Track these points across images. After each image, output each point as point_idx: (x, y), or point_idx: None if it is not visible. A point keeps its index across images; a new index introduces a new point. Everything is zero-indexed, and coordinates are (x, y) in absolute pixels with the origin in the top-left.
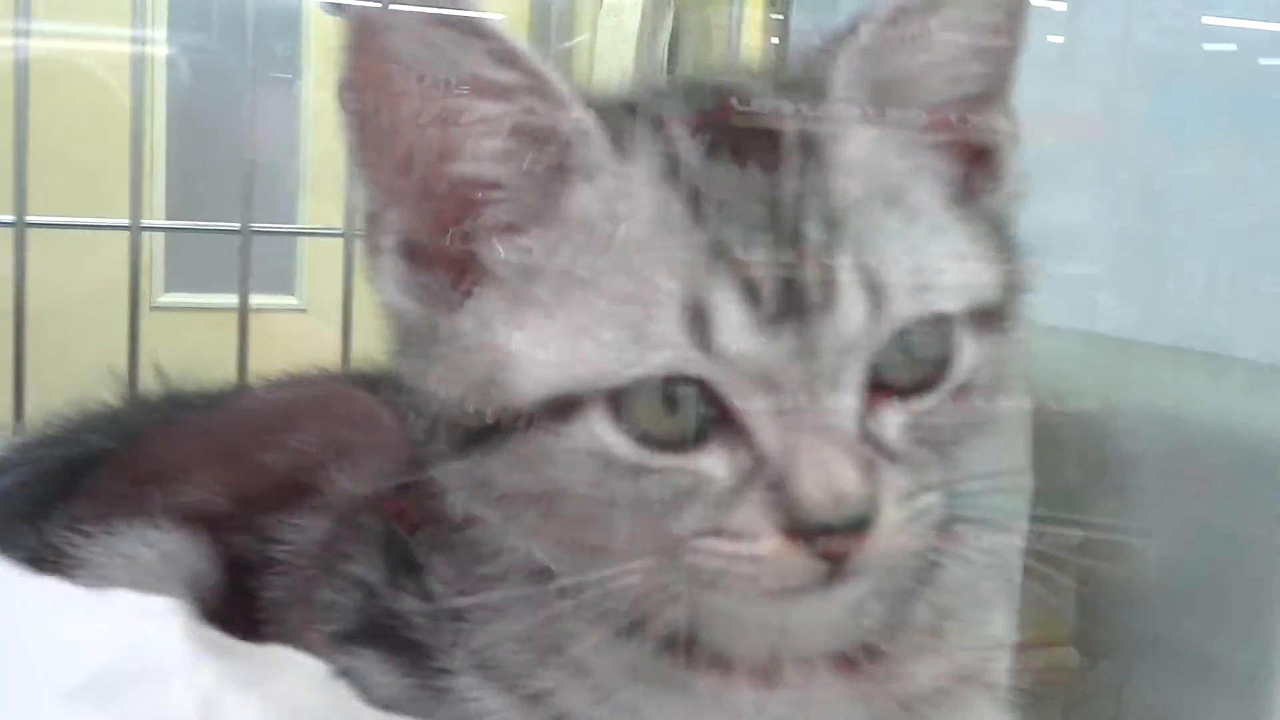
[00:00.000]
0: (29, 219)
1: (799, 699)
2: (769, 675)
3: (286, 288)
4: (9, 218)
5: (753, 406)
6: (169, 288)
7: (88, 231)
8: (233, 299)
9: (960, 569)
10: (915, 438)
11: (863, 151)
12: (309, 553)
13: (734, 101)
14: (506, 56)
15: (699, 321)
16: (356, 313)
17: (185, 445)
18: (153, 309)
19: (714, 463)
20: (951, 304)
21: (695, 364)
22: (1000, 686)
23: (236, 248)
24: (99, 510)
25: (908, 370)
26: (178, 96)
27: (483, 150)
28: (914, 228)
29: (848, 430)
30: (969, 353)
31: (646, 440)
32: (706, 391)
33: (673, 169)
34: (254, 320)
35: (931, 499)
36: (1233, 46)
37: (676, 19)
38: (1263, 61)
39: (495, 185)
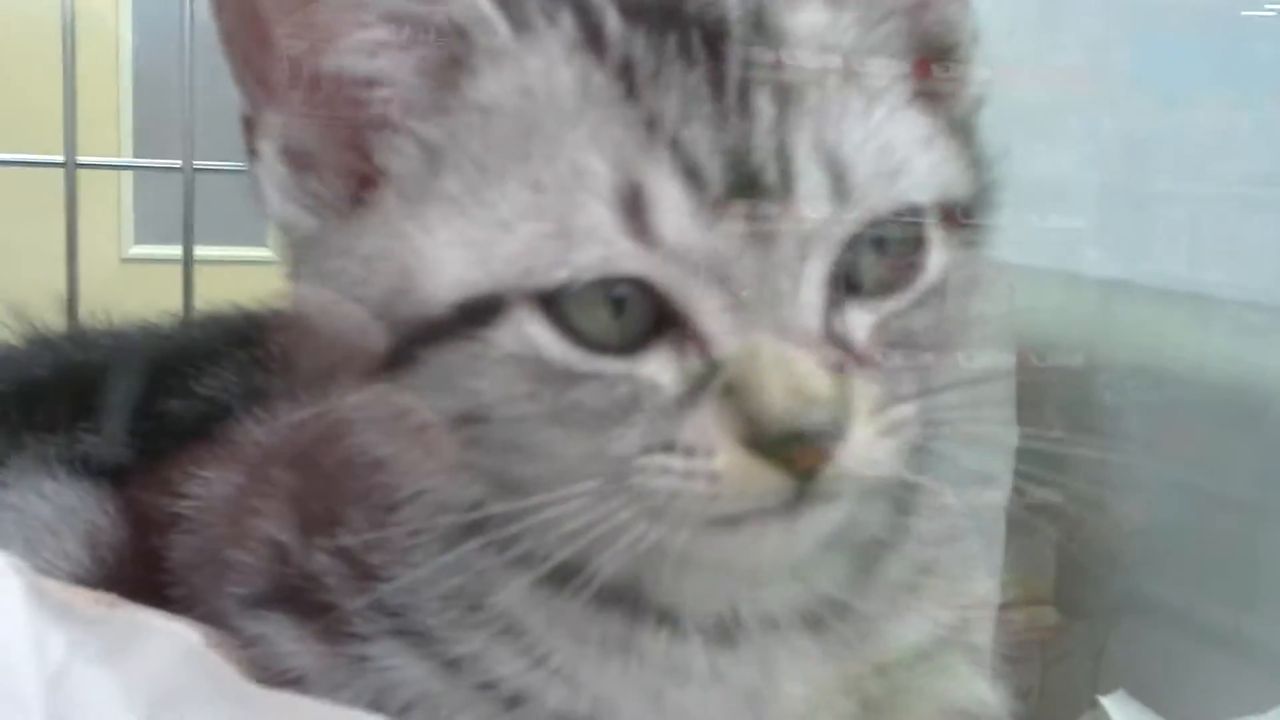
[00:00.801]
0: None
1: (761, 660)
2: (727, 633)
3: (260, 240)
4: None
5: (702, 304)
6: (138, 239)
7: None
8: (207, 251)
9: (937, 521)
10: (886, 342)
11: (818, 22)
12: (217, 509)
13: None
14: None
15: (634, 209)
16: None
17: (88, 389)
18: (123, 261)
19: (661, 368)
20: (923, 195)
21: (632, 259)
22: (982, 649)
23: (211, 198)
24: None
25: (876, 267)
26: (144, 36)
27: (359, 42)
28: (877, 110)
29: (812, 329)
30: (940, 251)
31: (583, 342)
32: (648, 288)
33: (594, 38)
34: (224, 273)
35: (907, 411)
36: None
37: None
38: (1245, 13)
39: (379, 80)
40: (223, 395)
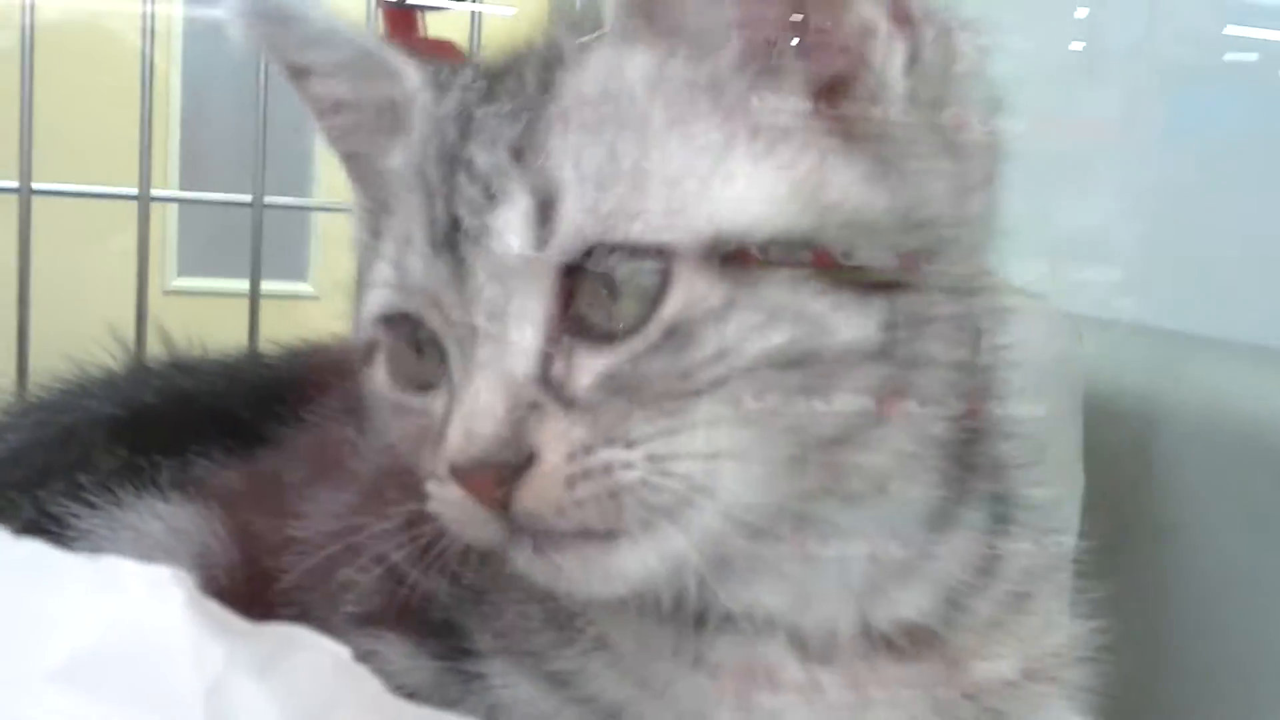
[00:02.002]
0: (34, 186)
1: (854, 681)
2: (820, 652)
3: (299, 275)
4: (13, 184)
5: (448, 341)
6: (181, 272)
7: (101, 210)
8: (246, 284)
9: (1024, 561)
10: (614, 387)
11: (596, 76)
12: (330, 530)
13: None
14: (317, 38)
15: (400, 255)
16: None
17: (196, 415)
18: (165, 293)
19: (438, 402)
20: (665, 234)
21: (398, 297)
22: (1072, 685)
23: (250, 230)
24: (104, 480)
25: (610, 311)
26: (193, 70)
27: (337, 124)
28: (641, 150)
29: (512, 369)
30: (686, 292)
31: (406, 379)
32: (427, 331)
33: (435, 120)
34: (266, 306)
35: (624, 455)
36: (1254, 56)
37: None
38: None
39: (353, 153)
40: (328, 421)
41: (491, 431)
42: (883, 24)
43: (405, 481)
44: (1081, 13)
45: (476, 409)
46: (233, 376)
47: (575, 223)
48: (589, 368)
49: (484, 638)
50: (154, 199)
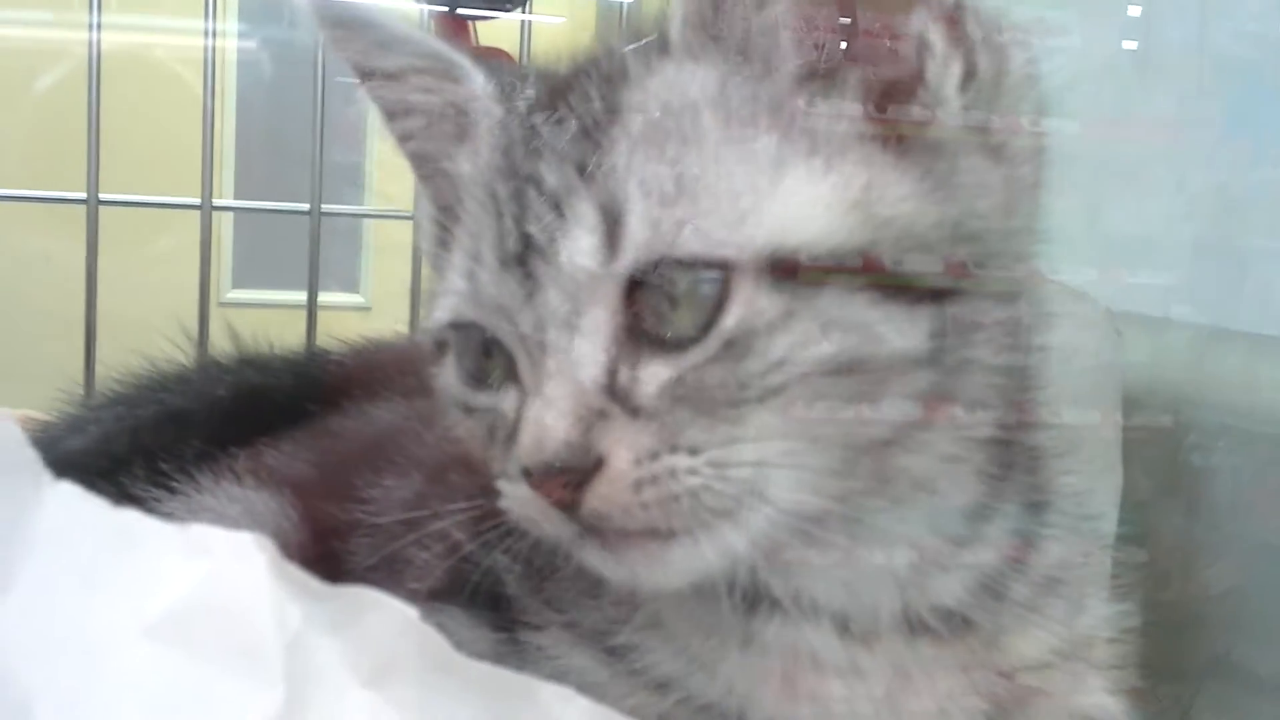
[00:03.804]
0: (101, 196)
1: (893, 661)
2: (861, 632)
3: (352, 286)
4: (82, 195)
5: (517, 350)
6: (235, 284)
7: (145, 222)
8: (299, 296)
9: (1059, 547)
10: (678, 395)
11: (659, 94)
12: (396, 513)
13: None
14: (389, 43)
15: (471, 267)
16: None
17: (265, 408)
18: (220, 305)
19: (508, 402)
20: (725, 248)
21: (469, 308)
22: (1104, 664)
23: (303, 244)
24: (183, 467)
25: (673, 322)
26: (246, 93)
27: (406, 128)
28: (703, 166)
29: (580, 377)
30: (747, 305)
31: (474, 379)
32: (495, 336)
33: (504, 132)
34: (319, 318)
35: (688, 461)
36: None
37: None
38: None
39: (422, 156)
40: (392, 413)
41: (562, 438)
42: (939, 42)
43: (471, 470)
44: (1135, 11)
45: (547, 416)
46: (299, 372)
47: (640, 239)
48: (653, 377)
49: (542, 612)
50: (215, 208)
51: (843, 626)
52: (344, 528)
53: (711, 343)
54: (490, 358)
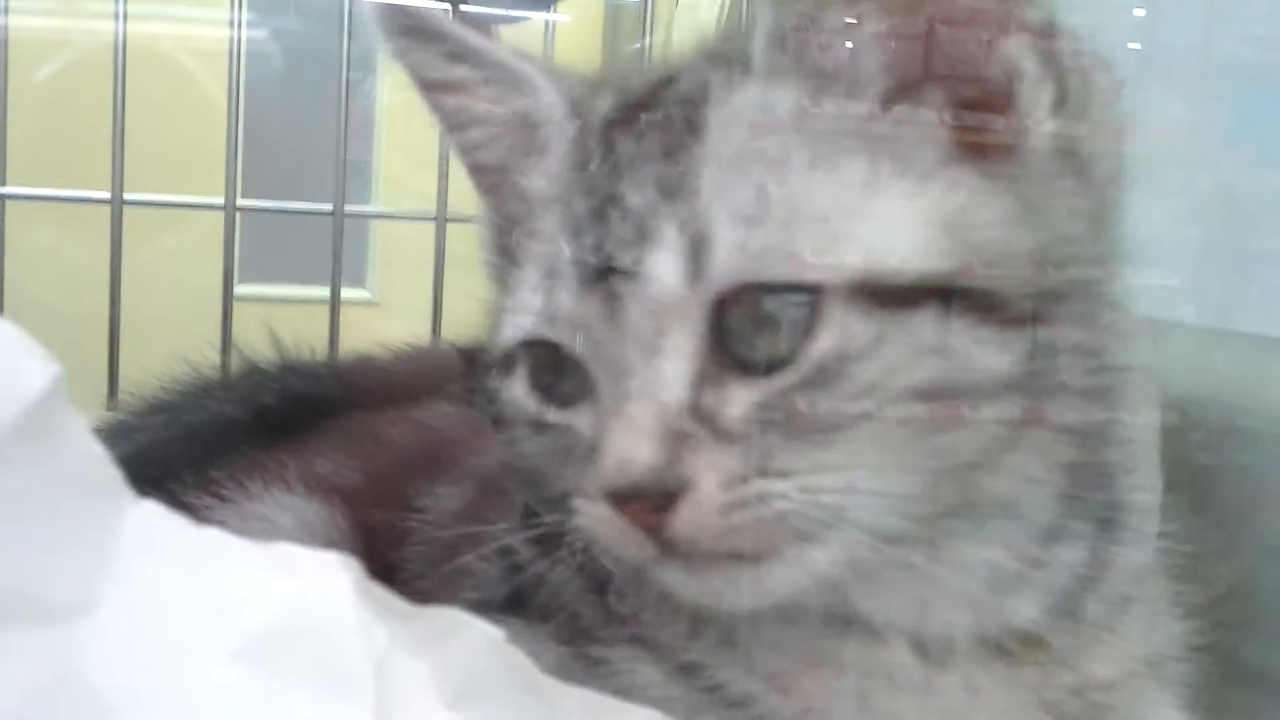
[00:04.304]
0: (125, 197)
1: (966, 681)
2: (936, 652)
3: (358, 280)
4: (105, 194)
5: (596, 369)
6: (242, 278)
7: (162, 221)
8: (306, 290)
9: (1130, 564)
10: (766, 419)
11: (744, 114)
12: (448, 523)
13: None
14: (459, 54)
15: (548, 286)
16: (426, 307)
17: (313, 415)
18: None
19: (583, 420)
20: (817, 272)
21: (545, 327)
22: (1173, 681)
23: (310, 238)
24: (233, 474)
25: (759, 344)
26: (254, 86)
27: (469, 140)
28: (793, 188)
29: (665, 399)
30: (839, 330)
31: (546, 396)
32: (570, 354)
33: (579, 147)
34: (325, 313)
35: (778, 485)
36: None
37: (752, 14)
38: None
39: (488, 168)
40: (440, 420)
41: (647, 460)
42: (1031, 66)
43: (531, 484)
44: (1139, 12)
45: (630, 438)
46: (345, 379)
47: (727, 262)
48: (740, 399)
49: (609, 627)
50: (239, 208)
51: (918, 646)
52: (395, 537)
53: (802, 367)
54: (564, 375)
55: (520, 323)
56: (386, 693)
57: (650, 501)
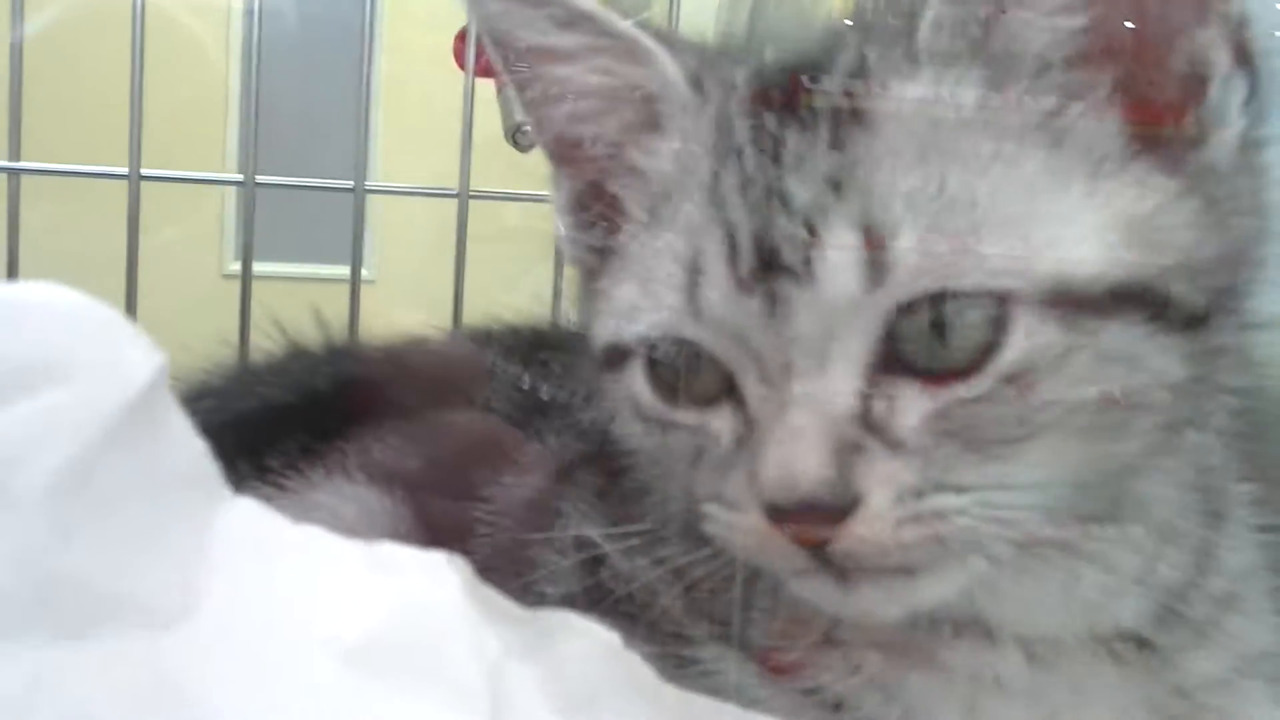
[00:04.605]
0: (143, 172)
1: (1072, 683)
2: (1045, 655)
3: (358, 258)
4: (123, 170)
5: (743, 372)
6: (239, 255)
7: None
8: (304, 268)
9: (1236, 558)
10: (943, 429)
11: (918, 104)
12: (517, 513)
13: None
14: (570, 20)
15: (692, 282)
16: (431, 283)
17: (368, 400)
18: (224, 277)
19: (721, 423)
20: (1006, 279)
21: (686, 326)
22: None
23: (306, 216)
24: (292, 463)
25: (938, 351)
26: (252, 50)
27: (570, 112)
28: (977, 186)
29: (833, 408)
30: (1029, 338)
31: (673, 395)
32: (710, 354)
33: (720, 128)
34: (325, 290)
35: (955, 501)
36: None
37: None
38: None
39: (592, 142)
40: (503, 406)
41: (816, 473)
42: (1223, 60)
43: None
44: None
45: (797, 449)
46: (400, 363)
47: (909, 266)
48: (914, 409)
49: (698, 624)
50: (259, 185)
51: (1027, 648)
52: (460, 528)
53: (986, 378)
54: (697, 373)
55: (652, 320)
56: (499, 700)
57: (816, 517)
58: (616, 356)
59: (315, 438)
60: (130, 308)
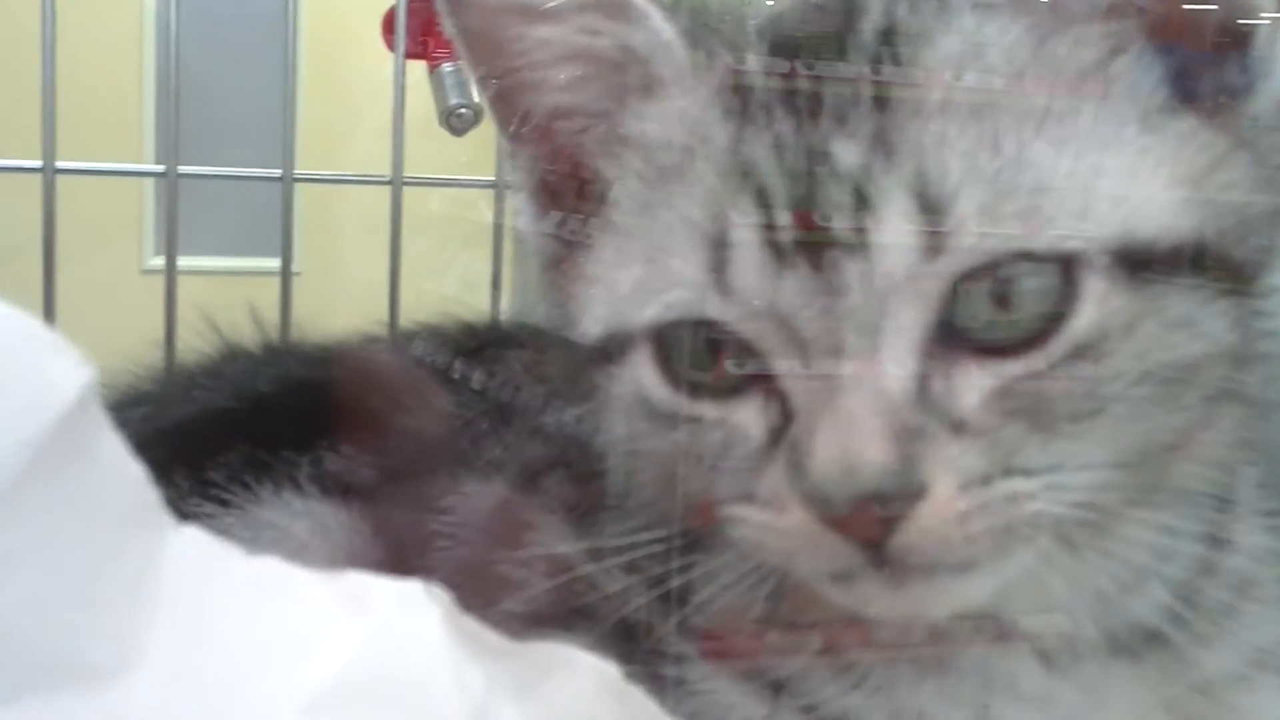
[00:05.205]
0: (58, 165)
1: (1087, 685)
2: (1060, 656)
3: (279, 250)
4: (37, 163)
5: (780, 356)
6: (157, 250)
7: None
8: (226, 262)
9: (1249, 542)
10: (1008, 408)
11: (965, 53)
12: (480, 525)
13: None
14: None
15: (718, 255)
16: (359, 274)
17: (319, 406)
18: (143, 273)
19: (750, 416)
20: (1074, 240)
21: (712, 305)
22: None
23: (228, 208)
24: (236, 476)
25: (1000, 323)
26: (166, 37)
27: (554, 79)
28: (1033, 143)
29: (889, 390)
30: (1099, 305)
31: (688, 386)
32: (735, 336)
33: (730, 91)
34: (250, 283)
35: (1024, 485)
36: None
37: None
38: None
39: (575, 113)
40: (465, 408)
41: (880, 462)
42: (1266, 5)
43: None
44: None
45: (854, 435)
46: (347, 363)
47: (970, 232)
48: (976, 385)
49: (683, 641)
50: (182, 175)
51: (1041, 651)
52: (421, 540)
53: (1054, 348)
54: (716, 360)
55: (668, 300)
56: None
57: (882, 510)
58: (616, 347)
59: (260, 446)
60: (48, 311)
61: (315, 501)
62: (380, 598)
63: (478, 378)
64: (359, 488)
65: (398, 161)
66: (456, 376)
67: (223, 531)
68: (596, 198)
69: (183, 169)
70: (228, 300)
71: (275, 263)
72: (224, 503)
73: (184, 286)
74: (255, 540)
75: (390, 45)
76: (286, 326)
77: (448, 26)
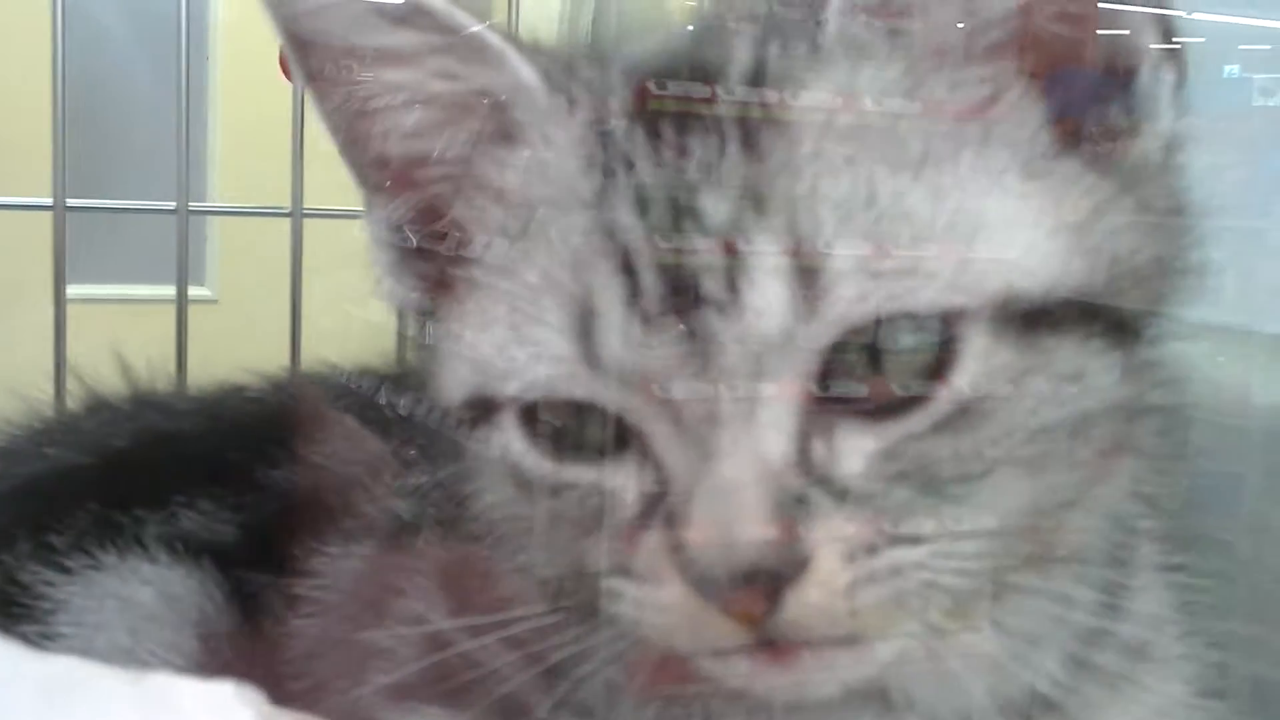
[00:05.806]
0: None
1: None
2: None
3: (197, 278)
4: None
5: (653, 425)
6: (84, 278)
7: None
8: (138, 290)
9: (1146, 602)
10: (893, 472)
11: (834, 95)
12: (346, 588)
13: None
14: (405, 16)
15: (583, 324)
16: (279, 302)
17: (177, 460)
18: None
19: (624, 482)
20: (955, 296)
21: (579, 382)
22: None
23: (141, 232)
24: (78, 541)
25: (880, 383)
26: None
27: (405, 125)
28: (911, 193)
29: (768, 456)
30: (983, 361)
31: (559, 450)
32: (607, 408)
33: (595, 137)
34: (159, 312)
35: (912, 554)
36: None
37: None
38: None
39: (430, 160)
40: (332, 462)
41: (760, 535)
42: (1151, 44)
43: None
44: None
45: (731, 508)
46: (213, 413)
47: (850, 290)
48: (858, 449)
49: (561, 714)
50: (70, 208)
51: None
52: (281, 605)
53: (938, 407)
54: (587, 422)
55: (531, 377)
56: None
57: (762, 586)
58: (480, 410)
59: (113, 505)
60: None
61: (163, 567)
62: (187, 702)
63: (354, 430)
64: (216, 547)
65: (297, 194)
66: (333, 427)
67: (63, 602)
68: (457, 253)
69: (72, 202)
70: (148, 329)
71: (192, 290)
72: (66, 570)
73: (102, 314)
74: (97, 611)
75: (289, 76)
76: (183, 362)
77: (292, 68)
